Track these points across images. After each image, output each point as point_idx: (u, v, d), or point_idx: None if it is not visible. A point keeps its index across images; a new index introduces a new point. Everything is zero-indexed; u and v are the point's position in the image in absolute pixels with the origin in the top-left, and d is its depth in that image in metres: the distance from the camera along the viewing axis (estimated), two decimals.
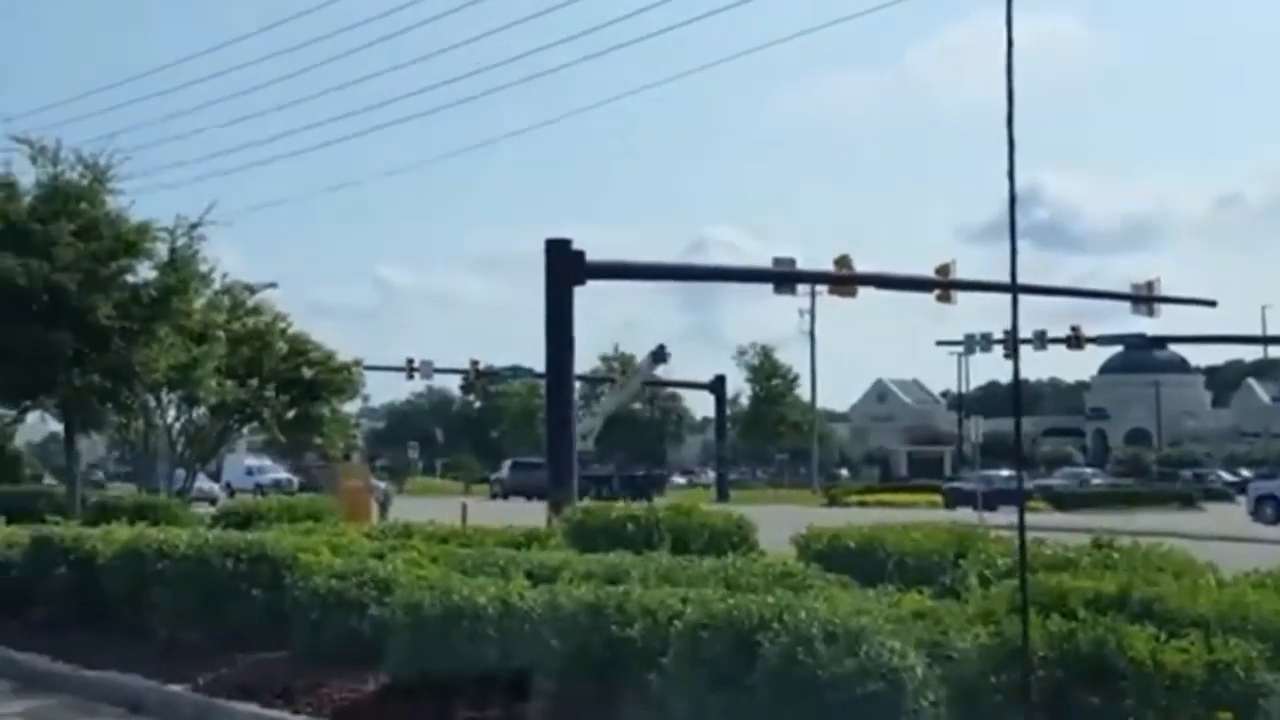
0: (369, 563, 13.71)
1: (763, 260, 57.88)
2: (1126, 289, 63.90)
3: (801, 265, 56.37)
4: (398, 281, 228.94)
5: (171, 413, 40.30)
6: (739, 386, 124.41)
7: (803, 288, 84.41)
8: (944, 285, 56.21)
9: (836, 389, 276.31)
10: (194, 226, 29.90)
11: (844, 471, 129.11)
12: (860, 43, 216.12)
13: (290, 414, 44.16)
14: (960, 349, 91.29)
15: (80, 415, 30.42)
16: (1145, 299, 62.52)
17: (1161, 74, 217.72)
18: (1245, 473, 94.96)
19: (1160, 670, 8.21)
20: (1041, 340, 75.78)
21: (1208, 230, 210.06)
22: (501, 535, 17.90)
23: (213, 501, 51.74)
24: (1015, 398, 8.90)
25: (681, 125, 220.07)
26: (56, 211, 28.40)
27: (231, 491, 71.21)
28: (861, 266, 54.14)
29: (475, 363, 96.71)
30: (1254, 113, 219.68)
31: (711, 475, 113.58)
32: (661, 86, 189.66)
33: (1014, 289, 7.73)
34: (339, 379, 45.63)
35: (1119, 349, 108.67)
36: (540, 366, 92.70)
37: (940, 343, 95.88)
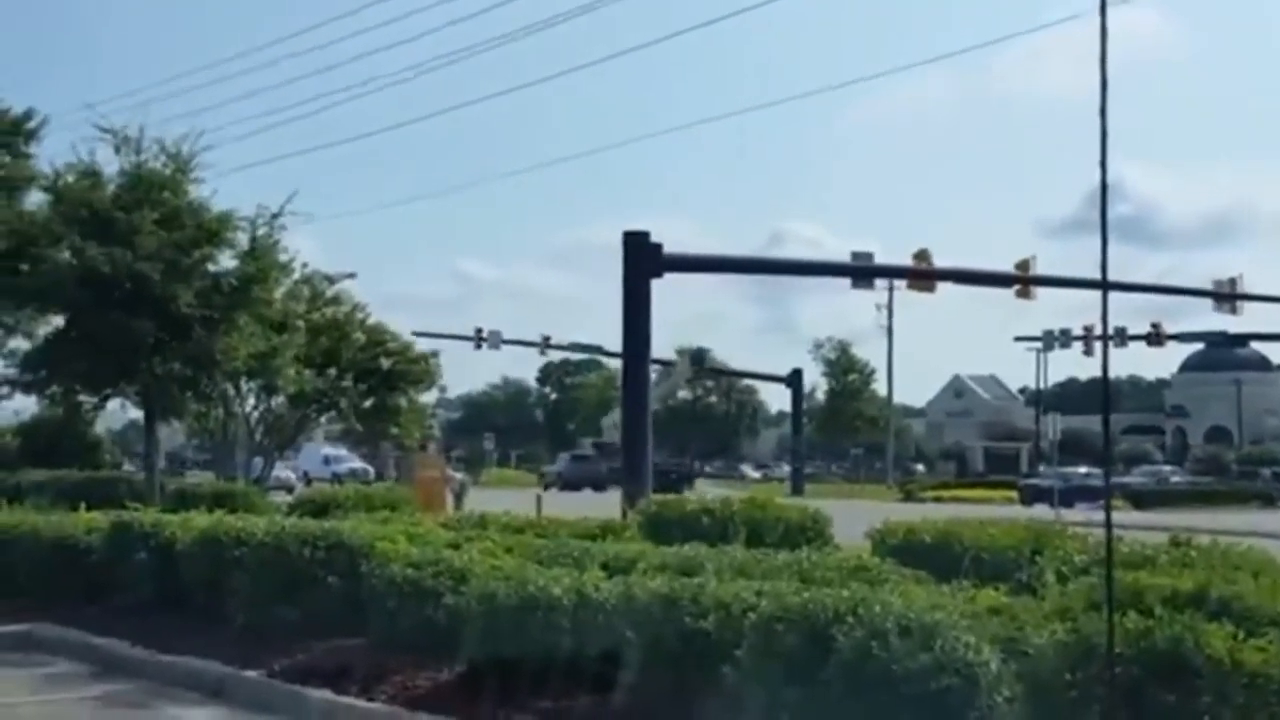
0: (445, 552, 13.75)
1: (841, 255, 57.53)
2: (1208, 285, 63.24)
3: (880, 260, 56.13)
4: (477, 274, 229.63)
5: (250, 401, 40.68)
6: (815, 381, 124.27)
7: (881, 282, 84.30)
8: (1024, 281, 55.79)
9: (913, 384, 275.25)
10: (275, 216, 30.08)
11: (919, 467, 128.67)
12: (942, 40, 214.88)
13: (367, 404, 44.46)
14: (1039, 345, 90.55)
15: (160, 403, 30.62)
16: (1227, 296, 61.81)
17: (1242, 68, 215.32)
18: None
19: (1238, 669, 8.14)
20: (1122, 337, 74.97)
21: None
22: (576, 527, 17.96)
23: (289, 490, 52.10)
24: (1104, 396, 8.83)
25: (762, 119, 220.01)
26: (139, 200, 28.58)
27: (308, 480, 71.59)
28: (939, 261, 53.86)
29: (546, 338, 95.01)
30: None
31: (786, 469, 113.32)
32: (743, 81, 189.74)
33: (1104, 285, 7.68)
34: (416, 369, 45.89)
35: (1199, 346, 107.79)
36: (611, 348, 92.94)
37: (1018, 338, 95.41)
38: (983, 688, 8.23)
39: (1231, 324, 70.30)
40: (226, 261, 29.94)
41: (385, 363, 44.03)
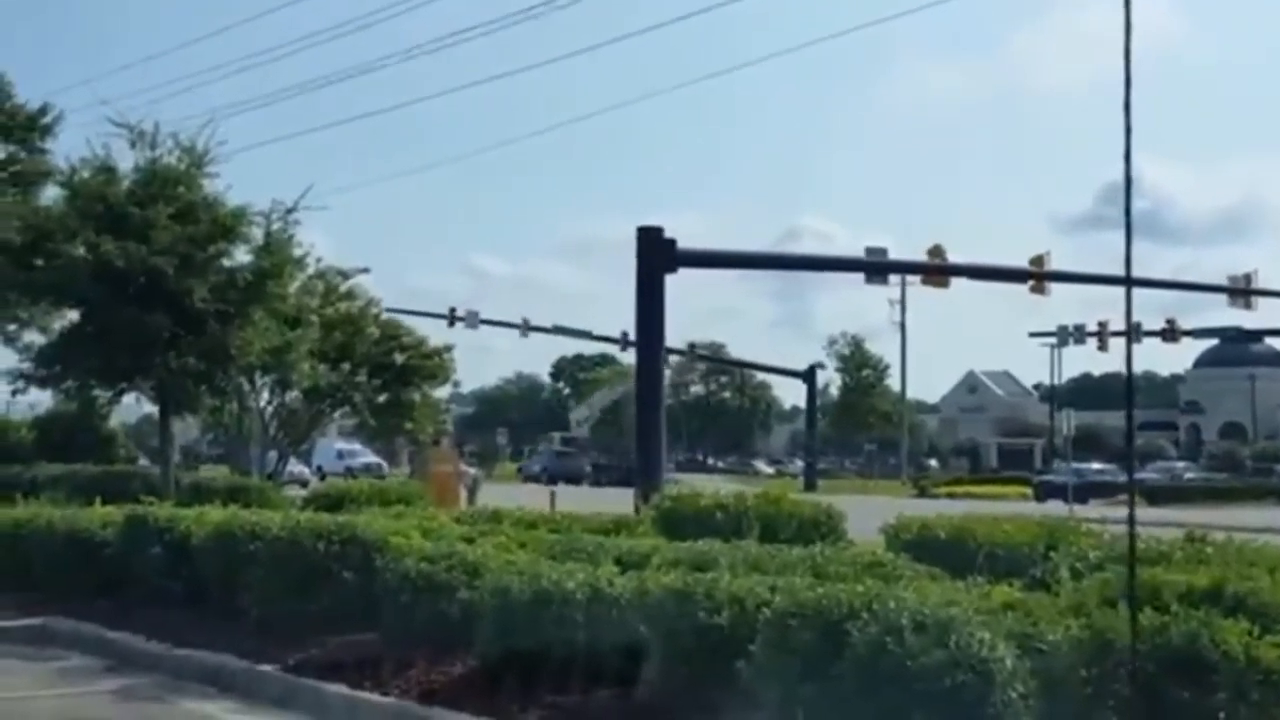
0: (458, 547, 13.77)
1: (855, 250, 57.49)
2: (1223, 281, 63.14)
3: (894, 255, 56.09)
4: (490, 269, 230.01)
5: (265, 396, 40.72)
6: (829, 376, 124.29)
7: (894, 278, 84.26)
8: (1039, 276, 55.73)
9: (927, 380, 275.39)
10: (289, 211, 30.06)
11: (933, 463, 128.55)
12: (954, 34, 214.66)
13: (381, 398, 44.48)
14: (1053, 341, 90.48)
15: (175, 397, 30.60)
16: (1242, 291, 61.75)
17: (1258, 63, 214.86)
18: None
19: (1254, 665, 8.13)
20: (1137, 333, 74.69)
21: None
22: (590, 522, 17.95)
23: (304, 484, 52.19)
24: (1128, 393, 8.82)
25: (776, 114, 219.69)
26: (154, 195, 28.56)
27: (322, 475, 71.67)
28: (954, 257, 53.85)
29: (525, 320, 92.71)
30: None
31: (800, 465, 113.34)
32: (756, 74, 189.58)
33: (1128, 281, 7.67)
34: (430, 364, 45.92)
35: (1214, 342, 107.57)
36: (600, 332, 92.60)
37: (1033, 334, 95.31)
38: (997, 684, 8.21)
39: (1246, 319, 70.39)
40: (241, 256, 29.92)
41: (399, 357, 44.06)
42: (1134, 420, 8.75)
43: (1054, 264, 56.38)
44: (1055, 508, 44.92)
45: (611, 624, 10.92)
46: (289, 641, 13.78)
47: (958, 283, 55.52)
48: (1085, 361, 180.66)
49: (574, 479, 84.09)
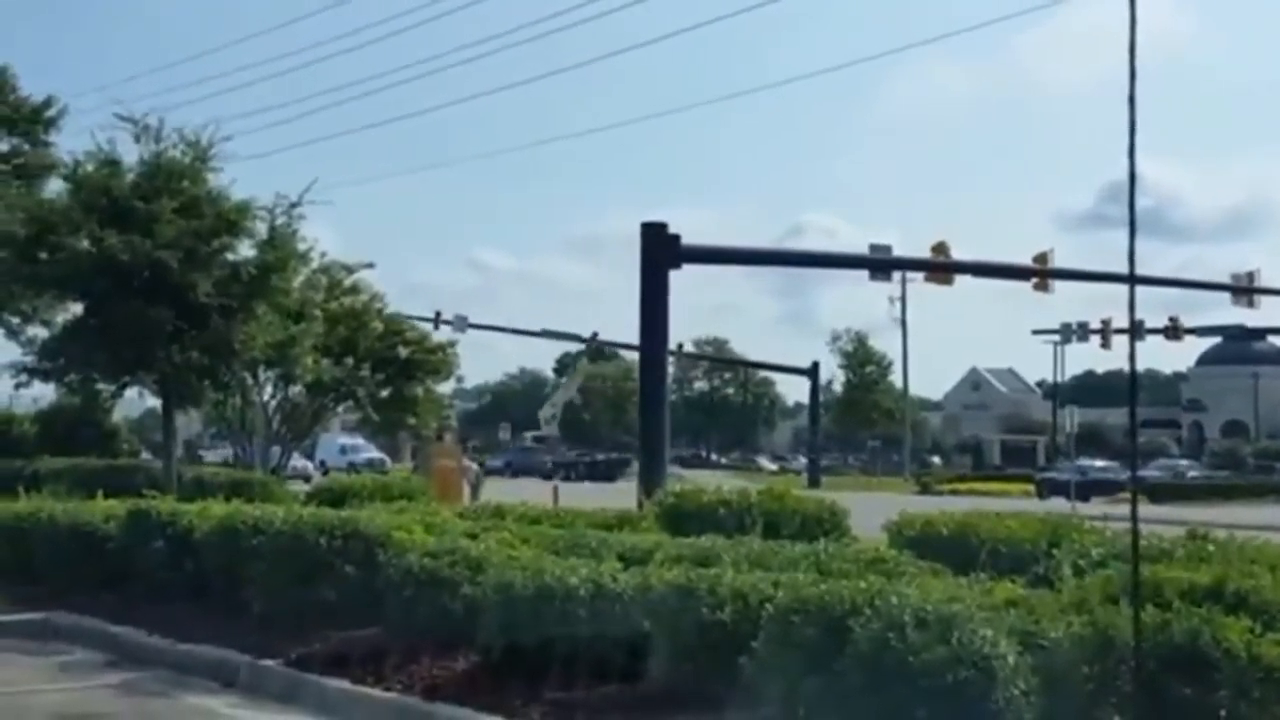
0: (461, 542, 13.78)
1: (859, 246, 57.44)
2: (1226, 279, 63.15)
3: (898, 252, 56.05)
4: (495, 264, 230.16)
5: (268, 390, 40.76)
6: (832, 372, 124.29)
7: (898, 275, 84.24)
8: (1043, 274, 55.69)
9: (931, 377, 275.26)
10: (294, 205, 30.05)
11: (936, 459, 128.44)
12: (960, 31, 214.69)
13: (385, 393, 44.47)
14: (1056, 338, 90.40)
15: (178, 391, 30.61)
16: (1246, 290, 61.76)
17: (1262, 60, 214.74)
18: None
19: (1255, 662, 8.15)
20: (1140, 330, 74.76)
21: None
22: (593, 518, 17.96)
23: (306, 479, 52.23)
24: (1131, 390, 8.81)
25: (781, 111, 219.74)
26: (159, 189, 28.56)
27: (325, 469, 71.64)
28: (957, 254, 53.81)
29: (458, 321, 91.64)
30: None
31: (803, 461, 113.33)
32: (761, 72, 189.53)
33: (1131, 280, 7.66)
34: (433, 359, 45.92)
35: (1217, 340, 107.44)
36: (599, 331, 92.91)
37: (1036, 331, 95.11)
38: (999, 680, 8.22)
39: (1249, 318, 70.31)
40: (245, 250, 29.92)
41: (403, 352, 44.05)
42: (1136, 418, 8.74)
43: (1057, 261, 56.34)
44: (1058, 505, 44.95)
45: (614, 619, 10.93)
46: (292, 636, 13.78)
47: (961, 280, 55.54)
48: (1088, 359, 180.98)
49: (536, 474, 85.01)
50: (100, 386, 32.60)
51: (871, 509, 20.21)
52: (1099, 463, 75.86)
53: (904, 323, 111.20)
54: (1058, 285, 57.58)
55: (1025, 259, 55.84)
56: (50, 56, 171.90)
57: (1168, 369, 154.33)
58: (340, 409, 49.73)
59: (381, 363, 43.06)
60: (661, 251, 39.23)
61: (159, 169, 29.12)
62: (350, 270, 42.14)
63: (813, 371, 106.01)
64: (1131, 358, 8.28)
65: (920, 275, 62.13)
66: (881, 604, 8.75)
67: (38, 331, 35.99)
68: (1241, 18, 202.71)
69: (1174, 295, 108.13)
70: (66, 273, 28.73)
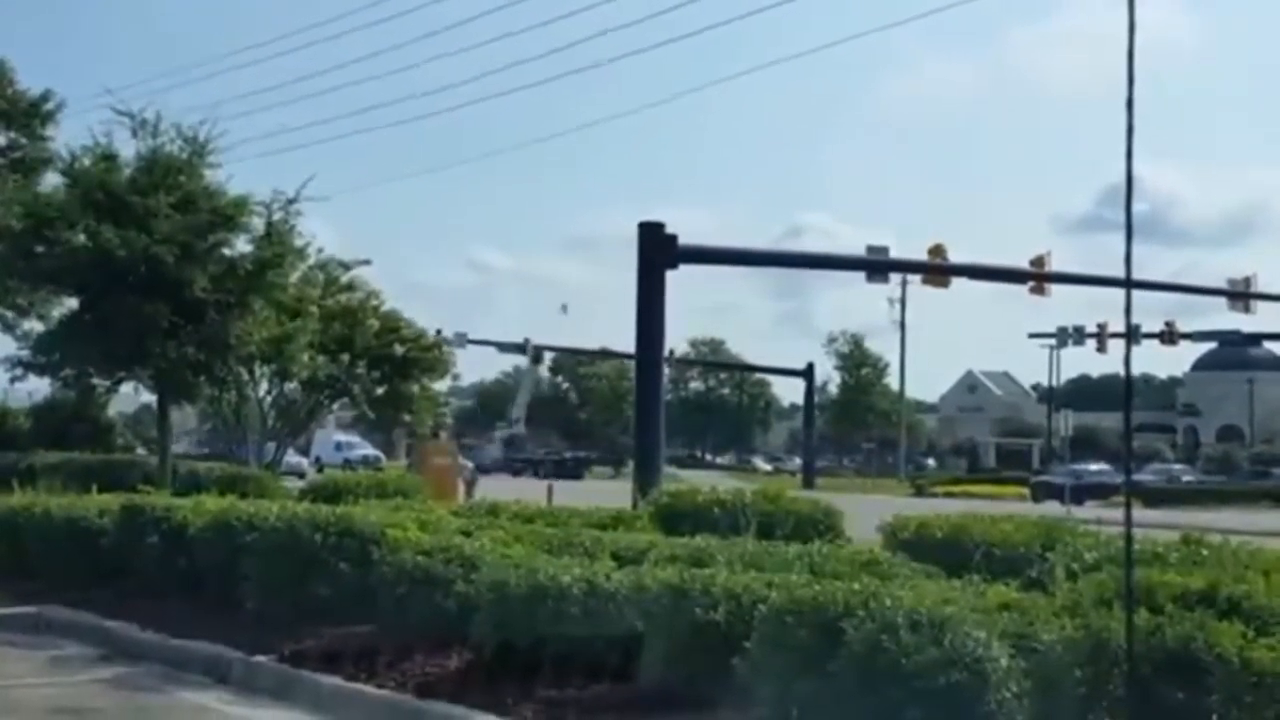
0: (456, 540, 13.78)
1: (856, 248, 57.46)
2: (1222, 284, 63.20)
3: (895, 254, 56.08)
4: (494, 263, 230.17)
5: (263, 386, 40.74)
6: (828, 374, 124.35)
7: (895, 277, 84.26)
8: (1040, 277, 55.80)
9: (926, 379, 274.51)
10: (290, 201, 30.03)
11: (931, 462, 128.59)
12: (957, 32, 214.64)
13: (380, 390, 44.46)
14: (1052, 342, 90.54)
15: (174, 387, 30.60)
16: (1242, 295, 61.81)
17: (1260, 65, 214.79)
18: None
19: (1247, 667, 8.15)
20: (1136, 335, 74.66)
21: None
22: (588, 516, 17.95)
23: (301, 476, 52.20)
24: (1126, 395, 8.83)
25: (779, 111, 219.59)
26: (155, 184, 28.55)
27: (320, 466, 71.66)
28: (954, 256, 53.87)
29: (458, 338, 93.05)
30: None
31: (798, 462, 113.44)
32: (759, 72, 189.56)
33: (1128, 284, 7.67)
34: (429, 357, 45.94)
35: (1212, 345, 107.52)
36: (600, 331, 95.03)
37: (1032, 335, 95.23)
38: (992, 683, 8.22)
39: (1245, 323, 70.37)
40: (242, 246, 29.93)
41: (399, 350, 44.05)
42: (1132, 422, 8.76)
43: (1054, 265, 56.48)
44: (1052, 508, 44.95)
45: (608, 619, 10.92)
46: (285, 632, 13.75)
47: (958, 282, 55.70)
48: (1084, 363, 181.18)
49: (505, 471, 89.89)
50: (96, 381, 32.58)
51: (866, 510, 20.25)
52: (1094, 466, 75.89)
53: (902, 325, 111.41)
54: (1054, 289, 57.85)
55: (1022, 262, 55.99)
56: (48, 52, 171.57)
57: (1164, 373, 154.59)
58: (336, 406, 49.77)
59: (377, 360, 43.09)
60: (659, 251, 39.30)
61: (156, 164, 29.12)
62: (347, 267, 42.16)
63: (808, 373, 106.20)
64: (1127, 362, 8.30)
65: (917, 277, 62.18)
66: (875, 606, 8.75)
67: (33, 325, 36.06)
68: (1241, 22, 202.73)
69: (1171, 300, 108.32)
70: (62, 267, 28.74)
